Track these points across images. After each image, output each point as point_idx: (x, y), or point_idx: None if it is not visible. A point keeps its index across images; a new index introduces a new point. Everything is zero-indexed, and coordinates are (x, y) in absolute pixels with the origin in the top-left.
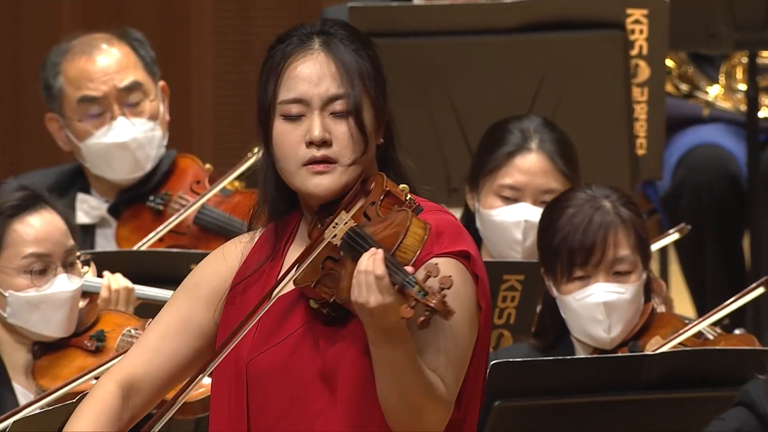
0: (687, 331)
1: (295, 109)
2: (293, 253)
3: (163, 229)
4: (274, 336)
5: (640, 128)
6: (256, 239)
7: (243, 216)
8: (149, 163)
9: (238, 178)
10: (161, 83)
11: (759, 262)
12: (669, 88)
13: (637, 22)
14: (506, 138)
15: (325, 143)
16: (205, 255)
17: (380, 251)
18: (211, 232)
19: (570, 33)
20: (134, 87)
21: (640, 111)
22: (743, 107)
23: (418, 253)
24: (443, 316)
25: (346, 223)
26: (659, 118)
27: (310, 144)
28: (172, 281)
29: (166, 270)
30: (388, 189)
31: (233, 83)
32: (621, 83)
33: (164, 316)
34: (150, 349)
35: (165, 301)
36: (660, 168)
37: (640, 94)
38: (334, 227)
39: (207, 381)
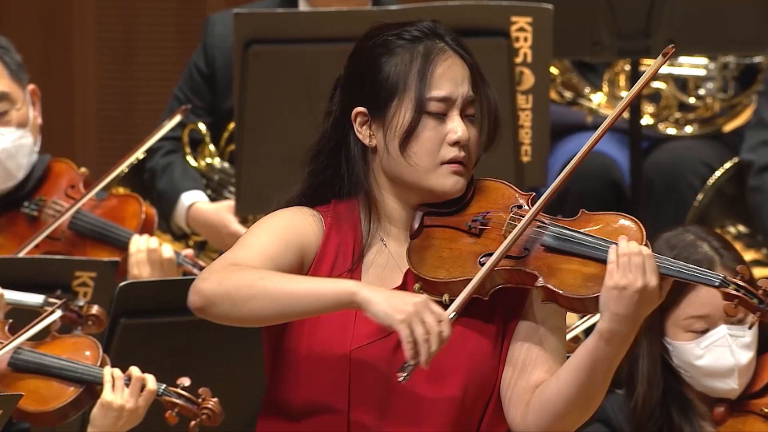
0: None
1: (440, 107)
2: (371, 247)
3: (37, 237)
4: (379, 328)
5: (525, 135)
6: (322, 219)
7: (119, 220)
8: (21, 171)
9: (118, 183)
10: (31, 87)
11: None
12: (553, 95)
13: (521, 29)
14: None
15: (465, 145)
16: (80, 261)
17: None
18: (87, 237)
19: None
20: None
21: (525, 118)
22: (626, 115)
23: None
24: None
25: (541, 224)
26: (543, 126)
27: (455, 144)
28: (52, 288)
29: (42, 276)
30: (533, 195)
31: (116, 88)
32: (506, 90)
33: (260, 241)
34: (263, 258)
35: (36, 306)
36: (544, 175)
37: (524, 102)
38: (508, 226)
39: (69, 389)
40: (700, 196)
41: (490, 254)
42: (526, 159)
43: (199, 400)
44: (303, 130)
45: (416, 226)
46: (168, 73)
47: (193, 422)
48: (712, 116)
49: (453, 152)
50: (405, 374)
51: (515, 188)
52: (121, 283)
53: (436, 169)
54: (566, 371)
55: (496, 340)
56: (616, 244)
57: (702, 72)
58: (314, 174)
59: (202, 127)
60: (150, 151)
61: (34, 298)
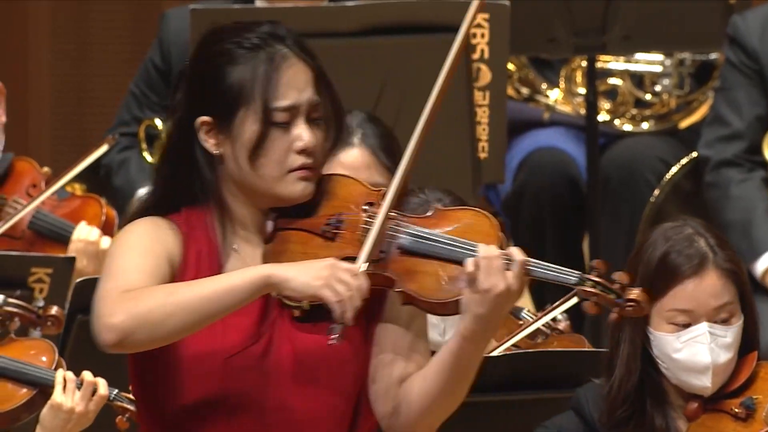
0: (519, 332)
1: (285, 116)
2: (228, 251)
3: None
4: (250, 335)
5: (482, 132)
6: (177, 227)
7: (79, 221)
8: None
9: (75, 180)
10: None
11: None
12: (510, 91)
13: (478, 26)
14: None
15: (312, 151)
16: (37, 257)
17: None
18: (46, 237)
19: (411, 37)
20: None
21: (482, 114)
22: (583, 111)
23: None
24: (642, 310)
25: (397, 224)
26: (501, 122)
27: (301, 151)
28: (8, 285)
29: (2, 273)
30: (383, 190)
31: (71, 85)
32: (463, 87)
33: (131, 259)
34: (142, 278)
35: None
36: (502, 171)
37: (481, 98)
38: (361, 229)
39: (22, 391)
40: (656, 192)
41: (347, 258)
42: (483, 155)
43: None
44: None
45: (269, 230)
46: (123, 69)
47: None
48: (669, 112)
49: (300, 160)
50: (336, 335)
51: (365, 184)
52: (78, 280)
53: (283, 177)
54: (431, 370)
55: (360, 340)
56: (473, 245)
57: (658, 68)
58: (162, 181)
59: (158, 122)
60: None
61: None
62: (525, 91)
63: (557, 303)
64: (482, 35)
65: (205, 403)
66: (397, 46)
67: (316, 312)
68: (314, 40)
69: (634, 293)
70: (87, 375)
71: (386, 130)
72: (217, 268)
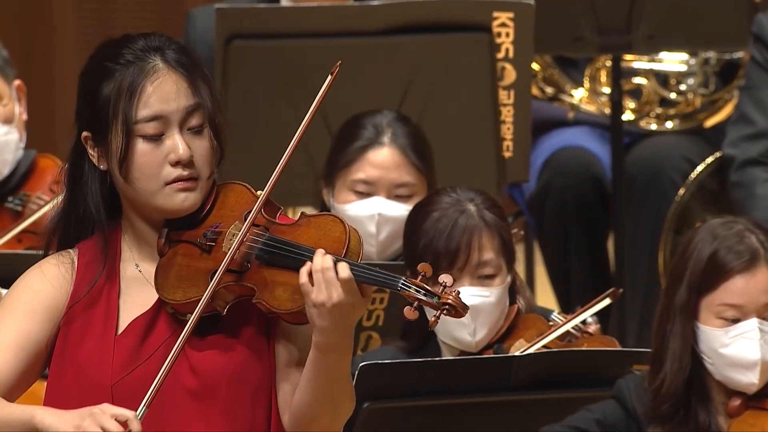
0: (550, 334)
1: (153, 128)
2: (128, 272)
3: (14, 229)
4: (138, 355)
5: (507, 131)
6: (76, 259)
7: None
8: (6, 167)
9: None
10: (17, 82)
11: (623, 264)
12: (534, 91)
13: (503, 25)
14: (359, 133)
15: (189, 162)
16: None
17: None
18: None
19: (436, 36)
20: None
21: (507, 114)
22: (607, 110)
23: (360, 257)
24: (457, 313)
25: (258, 234)
26: (525, 121)
27: (176, 164)
28: None
29: (20, 271)
30: (265, 197)
31: None
32: (487, 86)
33: (4, 331)
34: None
35: None
36: (526, 170)
37: (506, 97)
38: (230, 239)
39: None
40: (681, 192)
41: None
42: (507, 154)
43: None
44: (283, 126)
45: (161, 243)
46: None
47: None
48: (694, 111)
49: (176, 172)
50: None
51: (252, 191)
52: None
53: (161, 190)
54: (303, 382)
55: (260, 350)
56: (311, 253)
57: (683, 67)
58: (67, 203)
59: None
60: None
61: None
62: (549, 90)
63: (588, 305)
64: (507, 34)
65: None
66: (423, 44)
67: (206, 323)
68: (340, 39)
69: (451, 297)
70: None
71: (416, 129)
72: (115, 292)
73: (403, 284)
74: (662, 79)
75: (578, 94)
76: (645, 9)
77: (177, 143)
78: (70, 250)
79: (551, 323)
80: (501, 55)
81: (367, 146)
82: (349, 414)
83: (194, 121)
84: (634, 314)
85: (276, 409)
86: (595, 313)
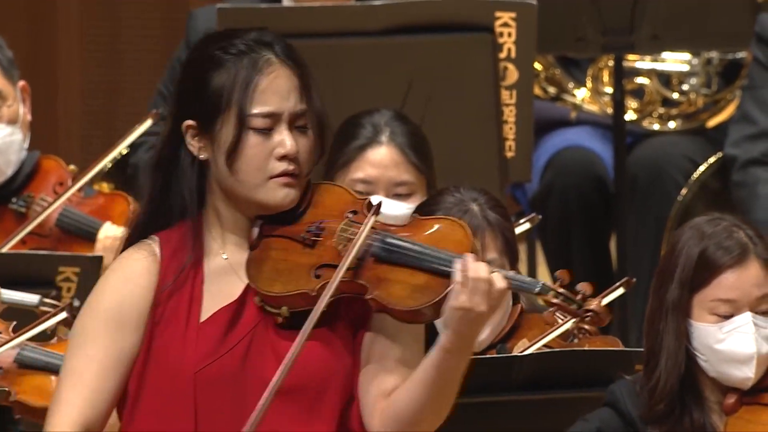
0: (552, 332)
1: (264, 122)
2: (213, 262)
3: (21, 231)
4: (222, 344)
5: (509, 131)
6: (158, 250)
7: (106, 218)
8: (10, 168)
9: (103, 178)
10: (21, 83)
11: (625, 263)
12: (537, 90)
13: (505, 25)
14: (358, 132)
15: (295, 158)
16: (64, 256)
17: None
18: (74, 234)
19: (438, 36)
20: None
21: (509, 113)
22: (610, 110)
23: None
24: (600, 321)
25: (377, 231)
26: (527, 121)
27: (282, 158)
28: (36, 284)
29: (30, 272)
30: (367, 198)
31: (101, 84)
32: (490, 86)
33: (94, 352)
34: (93, 390)
35: (30, 305)
36: (529, 170)
37: (508, 97)
38: (343, 235)
39: None
40: (683, 192)
41: (325, 266)
42: (510, 154)
43: None
44: None
45: (255, 236)
46: (153, 68)
47: None
48: (696, 111)
49: (282, 166)
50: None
51: (351, 192)
52: None
53: (264, 183)
54: (415, 383)
55: (346, 348)
56: (450, 255)
57: (685, 67)
58: (156, 192)
59: None
60: (133, 147)
61: (30, 298)
62: (552, 90)
63: (602, 294)
64: (509, 34)
65: (180, 418)
66: (424, 45)
67: (298, 317)
68: (342, 39)
69: (593, 304)
70: None
71: (414, 128)
72: (200, 280)
73: (541, 288)
74: (665, 79)
75: (581, 94)
76: (648, 9)
77: (285, 138)
78: (150, 241)
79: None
80: (503, 55)
81: (366, 145)
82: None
83: (301, 120)
84: (637, 314)
85: (354, 411)
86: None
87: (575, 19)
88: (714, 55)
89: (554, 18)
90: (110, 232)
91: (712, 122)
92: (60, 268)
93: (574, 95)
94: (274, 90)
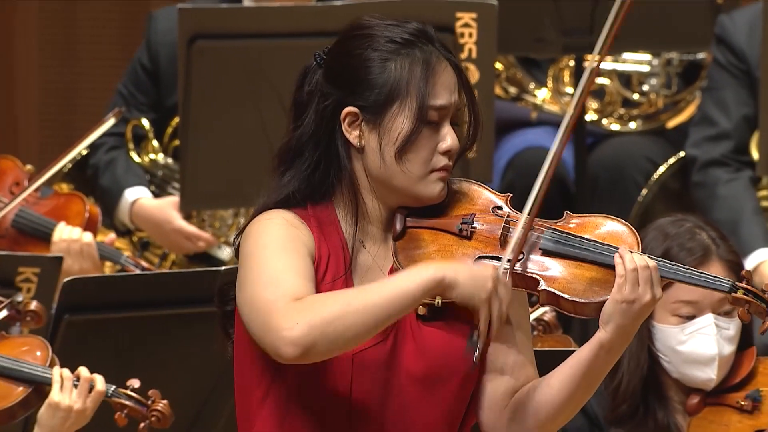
0: None
1: (436, 115)
2: (358, 252)
3: None
4: (380, 332)
5: None
6: (303, 221)
7: (62, 219)
8: None
9: (62, 179)
10: None
11: None
12: (498, 91)
13: (466, 25)
14: None
15: (453, 153)
16: (24, 256)
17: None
18: (30, 235)
19: None
20: None
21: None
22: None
23: None
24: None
25: (540, 225)
26: (488, 121)
27: (445, 152)
28: None
29: None
30: (509, 195)
31: (58, 84)
32: None
33: (283, 260)
34: (304, 282)
35: None
36: (490, 170)
37: None
38: (508, 227)
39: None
40: (644, 192)
41: (484, 257)
42: (471, 155)
43: (149, 402)
44: (247, 126)
45: (399, 227)
46: (111, 68)
47: (142, 424)
48: (656, 112)
49: (444, 161)
50: (476, 353)
51: (490, 189)
52: (65, 279)
53: (426, 176)
54: (560, 379)
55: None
56: (615, 248)
57: (646, 68)
58: (297, 172)
59: (145, 123)
60: (93, 147)
61: None
62: (513, 90)
63: None
64: (470, 35)
65: (335, 397)
66: None
67: (441, 310)
68: (303, 39)
69: None
70: (83, 371)
71: None
72: (346, 264)
73: (732, 286)
74: (625, 79)
75: (541, 95)
76: (608, 10)
77: (449, 133)
78: (290, 212)
79: None
80: (464, 55)
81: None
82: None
83: (458, 116)
84: None
85: (471, 406)
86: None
87: (536, 20)
88: (674, 56)
89: (515, 18)
90: (65, 234)
91: (672, 123)
92: (20, 269)
93: (534, 95)
94: (445, 84)
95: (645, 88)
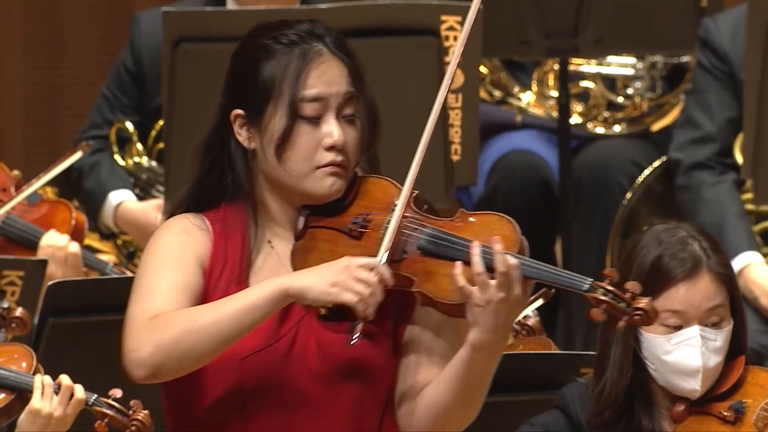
0: None
1: (313, 109)
2: (260, 251)
3: None
4: (269, 333)
5: (455, 134)
6: (209, 226)
7: (49, 227)
8: None
9: (48, 184)
10: None
11: (570, 267)
12: (482, 94)
13: (451, 28)
14: None
15: (342, 149)
16: (8, 260)
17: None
18: (16, 242)
19: (384, 39)
20: None
21: (455, 117)
22: (555, 113)
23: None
24: (649, 320)
25: (418, 225)
26: (473, 124)
27: (330, 148)
28: None
29: None
30: (417, 192)
31: (43, 86)
32: (435, 89)
33: (162, 275)
34: (171, 300)
35: None
36: (474, 173)
37: (454, 101)
38: (387, 227)
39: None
40: (628, 195)
41: (368, 257)
42: (455, 158)
43: (130, 411)
44: None
45: (300, 227)
46: (96, 70)
47: None
48: (641, 115)
49: (329, 156)
50: (357, 333)
51: (399, 186)
52: (50, 283)
53: (311, 173)
54: (444, 380)
55: (387, 341)
56: (488, 248)
57: (630, 71)
58: (201, 176)
59: (129, 125)
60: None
61: None
62: (497, 93)
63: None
64: (455, 38)
65: (225, 403)
66: (369, 48)
67: (340, 309)
68: None
69: (643, 302)
70: (65, 379)
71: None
72: (246, 265)
73: (590, 286)
74: (609, 82)
75: (526, 98)
76: (592, 12)
77: (333, 128)
78: (200, 216)
79: None
80: (449, 58)
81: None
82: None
83: (349, 109)
84: (581, 318)
85: (390, 406)
86: (539, 314)
87: (520, 23)
88: (658, 59)
89: (499, 21)
90: (52, 240)
91: (656, 126)
92: (4, 272)
93: (519, 99)
94: (323, 77)
95: (629, 91)
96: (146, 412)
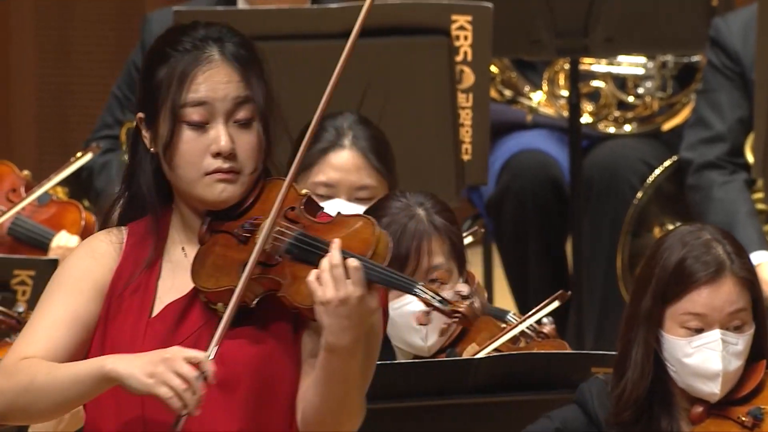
0: (501, 336)
1: (198, 114)
2: (173, 256)
3: None
4: (170, 340)
5: (465, 134)
6: (125, 238)
7: (59, 228)
8: None
9: (58, 183)
10: None
11: (581, 266)
12: (493, 93)
13: (461, 28)
14: (320, 135)
15: (231, 155)
16: (19, 259)
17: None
18: (26, 243)
19: (395, 39)
20: None
21: (465, 117)
22: (565, 113)
23: (386, 262)
24: (468, 323)
25: (291, 229)
26: (484, 124)
27: (217, 155)
28: None
29: None
30: (307, 194)
31: (54, 85)
32: (446, 89)
33: (52, 308)
34: (48, 337)
35: None
36: (485, 173)
37: (465, 100)
38: (258, 232)
39: None
40: (639, 195)
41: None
42: (466, 157)
43: None
44: None
45: (202, 231)
46: (106, 71)
47: None
48: (651, 115)
49: (216, 164)
50: (177, 429)
51: (296, 188)
52: None
53: (201, 179)
54: (312, 383)
55: (287, 344)
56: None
57: (641, 71)
58: (123, 185)
59: None
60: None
61: None
62: (508, 93)
63: (539, 306)
64: (465, 37)
65: (129, 412)
66: (381, 48)
67: (239, 314)
68: (298, 41)
69: (462, 306)
70: None
71: (377, 132)
72: (155, 274)
73: (419, 289)
74: (620, 82)
75: (536, 97)
76: (602, 12)
77: (220, 134)
78: (122, 228)
79: (504, 325)
80: (459, 58)
81: (328, 149)
82: (356, 422)
83: (242, 114)
84: (592, 317)
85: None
86: (551, 315)
87: (530, 22)
88: (669, 58)
89: (509, 21)
90: (62, 241)
91: (667, 125)
92: (15, 271)
93: (530, 98)
94: (209, 83)
95: (640, 90)
96: None
